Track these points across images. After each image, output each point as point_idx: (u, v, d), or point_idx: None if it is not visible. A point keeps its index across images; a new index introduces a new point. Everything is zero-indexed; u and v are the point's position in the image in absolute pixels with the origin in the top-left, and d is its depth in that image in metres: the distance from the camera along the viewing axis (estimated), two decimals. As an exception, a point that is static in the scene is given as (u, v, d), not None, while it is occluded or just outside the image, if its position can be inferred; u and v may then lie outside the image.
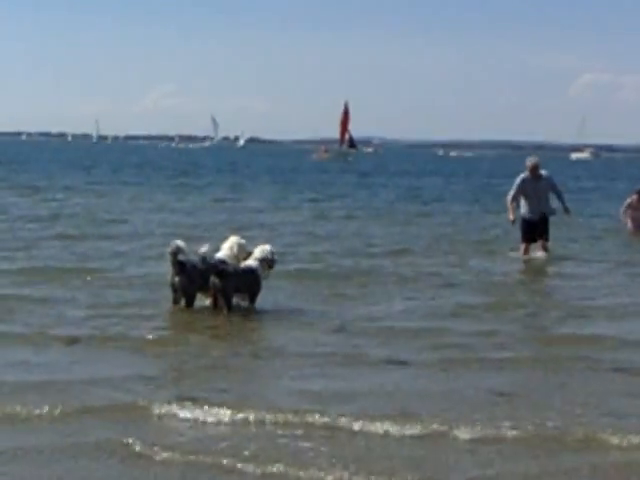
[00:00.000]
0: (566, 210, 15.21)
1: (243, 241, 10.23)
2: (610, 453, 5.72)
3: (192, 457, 5.49)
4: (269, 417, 6.16)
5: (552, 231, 15.41)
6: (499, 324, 9.47)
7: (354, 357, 7.97)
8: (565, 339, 8.86)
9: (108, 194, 28.53)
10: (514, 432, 5.94)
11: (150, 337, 8.48)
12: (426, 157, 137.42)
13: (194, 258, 9.74)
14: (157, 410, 6.30)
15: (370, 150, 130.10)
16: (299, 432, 5.94)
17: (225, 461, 5.43)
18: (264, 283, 10.08)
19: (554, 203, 15.17)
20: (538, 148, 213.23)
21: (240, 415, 6.18)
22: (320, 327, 9.15)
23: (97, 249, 14.70)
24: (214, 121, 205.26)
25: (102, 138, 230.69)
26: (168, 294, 9.82)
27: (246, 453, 5.54)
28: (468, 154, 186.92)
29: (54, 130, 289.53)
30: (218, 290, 9.63)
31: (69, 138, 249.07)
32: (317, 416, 6.15)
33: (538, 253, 14.72)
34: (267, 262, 9.96)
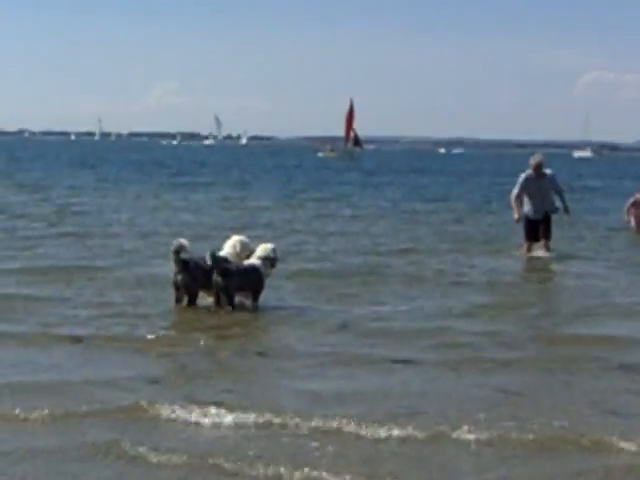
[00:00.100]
0: (566, 209, 15.14)
1: (246, 239, 10.20)
2: (619, 456, 5.66)
3: (193, 459, 5.45)
4: (272, 419, 6.11)
5: (557, 230, 15.40)
6: (505, 324, 9.44)
7: (359, 357, 7.94)
8: (572, 339, 8.83)
9: (113, 192, 28.56)
10: (521, 433, 5.90)
11: (153, 337, 8.45)
12: (428, 155, 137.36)
13: (198, 257, 9.74)
14: (158, 412, 6.25)
15: (372, 148, 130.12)
16: (303, 434, 5.89)
17: (227, 463, 5.38)
18: (268, 282, 10.04)
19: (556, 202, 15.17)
20: (541, 146, 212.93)
21: (243, 417, 6.14)
22: (325, 326, 9.12)
23: (102, 248, 14.70)
24: (217, 120, 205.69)
25: (105, 136, 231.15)
26: (172, 293, 9.80)
27: (249, 455, 5.50)
28: (470, 152, 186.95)
29: (57, 128, 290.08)
30: (221, 288, 9.61)
31: (72, 136, 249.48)
32: (322, 418, 6.10)
33: (540, 252, 14.69)
34: (269, 260, 9.94)
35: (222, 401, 6.44)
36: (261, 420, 6.09)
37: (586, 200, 28.59)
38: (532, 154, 15.72)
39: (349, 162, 76.02)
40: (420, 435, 5.87)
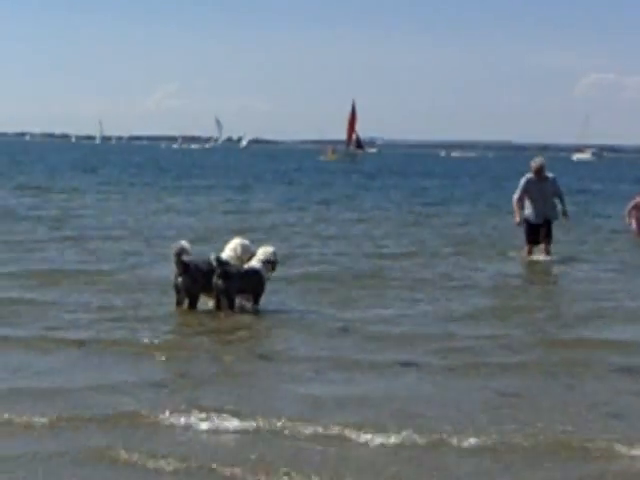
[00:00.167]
0: (564, 213, 15.09)
1: (247, 242, 10.19)
2: (623, 461, 5.64)
3: (192, 465, 5.41)
4: (273, 424, 6.08)
5: (559, 233, 15.41)
6: (509, 327, 9.42)
7: (361, 361, 7.91)
8: (575, 342, 8.81)
9: (115, 195, 28.57)
10: (523, 438, 5.87)
11: (154, 341, 8.40)
12: (429, 158, 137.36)
13: (200, 259, 9.77)
14: (158, 417, 6.21)
15: (373, 151, 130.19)
16: (304, 440, 5.86)
17: (226, 469, 5.35)
18: (270, 285, 10.03)
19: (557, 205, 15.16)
20: (541, 149, 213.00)
21: (244, 422, 6.10)
22: (327, 330, 9.09)
23: (104, 251, 14.69)
24: (218, 122, 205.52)
25: (106, 139, 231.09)
26: (174, 296, 9.81)
27: (249, 461, 5.47)
28: (470, 155, 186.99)
29: (57, 131, 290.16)
30: (221, 291, 9.61)
31: (73, 139, 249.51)
32: (323, 423, 6.06)
33: (540, 256, 14.68)
34: (270, 264, 9.95)
35: (223, 406, 6.41)
36: (262, 425, 6.06)
37: (583, 203, 28.57)
38: (533, 156, 15.74)
39: (350, 164, 76.09)
40: (422, 441, 5.84)
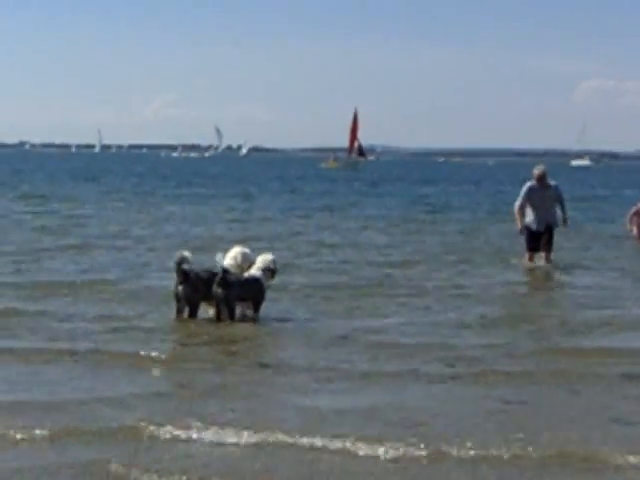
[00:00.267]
0: (564, 221, 15.06)
1: (247, 250, 10.20)
2: (626, 472, 5.59)
3: (192, 479, 5.34)
4: (274, 437, 6.00)
5: (562, 240, 15.38)
6: (511, 336, 9.38)
7: (363, 371, 7.85)
8: (581, 351, 8.76)
9: (118, 204, 28.62)
10: (525, 450, 5.81)
11: (156, 353, 8.34)
12: (428, 165, 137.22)
13: (204, 268, 9.82)
14: (157, 430, 6.13)
15: (372, 158, 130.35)
16: (305, 452, 5.80)
17: None
18: (271, 293, 10.01)
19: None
20: (541, 155, 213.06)
21: (244, 434, 6.02)
22: (329, 340, 9.02)
23: (107, 261, 14.69)
24: (218, 130, 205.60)
25: (105, 147, 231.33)
26: (175, 305, 9.80)
27: (249, 474, 5.42)
28: (470, 162, 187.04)
29: (57, 141, 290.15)
30: (221, 300, 9.60)
31: (73, 149, 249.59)
32: (324, 435, 5.99)
33: (541, 263, 14.67)
34: (269, 271, 9.95)
35: (224, 418, 6.35)
36: (264, 438, 5.99)
37: (584, 210, 28.57)
38: (534, 163, 15.74)
39: (352, 172, 76.13)
40: (425, 452, 5.77)
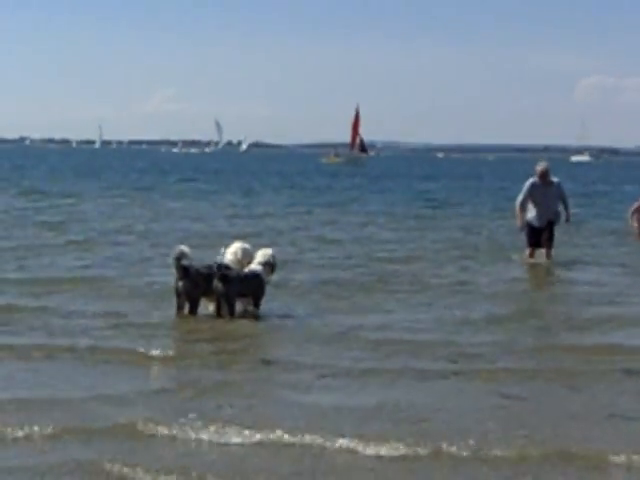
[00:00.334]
0: (567, 219, 15.02)
1: (247, 246, 10.17)
2: (629, 471, 5.55)
3: (192, 477, 5.31)
4: (274, 435, 5.96)
5: (564, 236, 15.35)
6: (515, 333, 9.34)
7: (365, 368, 7.81)
8: (585, 347, 8.73)
9: (119, 200, 28.62)
10: (529, 448, 5.78)
11: (156, 350, 8.29)
12: (428, 161, 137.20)
13: (204, 264, 9.80)
14: (156, 428, 6.08)
15: (372, 154, 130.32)
16: (306, 450, 5.77)
17: None
18: (272, 290, 9.99)
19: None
20: (541, 151, 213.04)
21: (244, 433, 5.98)
22: (331, 337, 8.99)
23: (109, 257, 14.67)
24: (218, 125, 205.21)
25: (106, 143, 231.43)
26: (175, 302, 9.78)
27: (249, 473, 5.38)
28: (470, 158, 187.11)
29: (57, 136, 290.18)
30: (221, 295, 9.58)
31: (73, 144, 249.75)
32: (324, 433, 5.95)
33: (542, 260, 14.63)
34: (269, 266, 9.93)
35: (225, 416, 6.31)
36: (264, 436, 5.95)
37: (585, 205, 28.54)
38: (534, 158, 15.70)
39: (353, 168, 76.19)
40: (427, 451, 5.74)
